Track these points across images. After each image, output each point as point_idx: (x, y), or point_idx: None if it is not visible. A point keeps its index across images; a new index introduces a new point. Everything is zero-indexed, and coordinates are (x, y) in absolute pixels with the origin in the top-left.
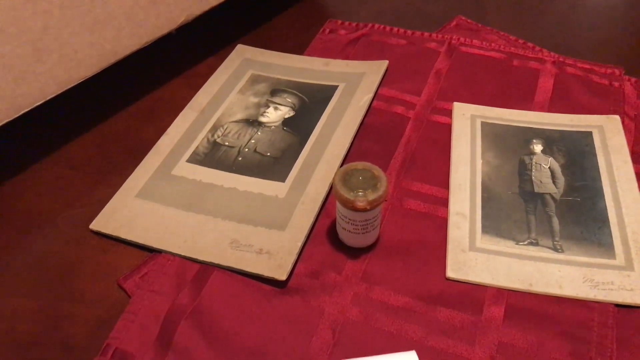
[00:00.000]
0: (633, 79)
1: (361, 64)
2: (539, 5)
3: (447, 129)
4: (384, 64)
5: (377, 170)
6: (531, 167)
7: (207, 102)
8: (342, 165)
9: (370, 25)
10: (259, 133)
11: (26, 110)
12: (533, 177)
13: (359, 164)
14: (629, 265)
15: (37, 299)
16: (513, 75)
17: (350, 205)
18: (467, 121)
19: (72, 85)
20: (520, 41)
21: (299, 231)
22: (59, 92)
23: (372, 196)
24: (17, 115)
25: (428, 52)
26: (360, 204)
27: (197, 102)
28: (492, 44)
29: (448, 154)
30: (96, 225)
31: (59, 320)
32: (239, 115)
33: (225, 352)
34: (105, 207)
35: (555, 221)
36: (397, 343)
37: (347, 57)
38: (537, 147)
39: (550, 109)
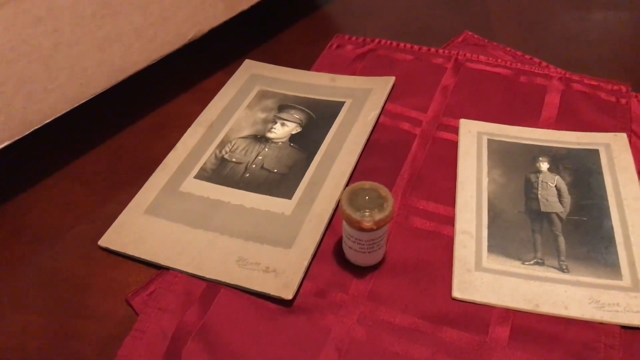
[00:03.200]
0: None
1: (368, 80)
2: (546, 20)
3: (454, 146)
4: (390, 80)
5: (383, 190)
6: (537, 185)
7: (215, 118)
8: (348, 182)
9: (377, 40)
10: (266, 149)
11: (37, 127)
12: (539, 196)
13: (366, 184)
14: (635, 287)
15: (46, 315)
16: (520, 91)
17: (357, 225)
18: (473, 138)
19: (82, 102)
20: (527, 57)
21: (305, 249)
22: (69, 108)
23: (378, 216)
24: (28, 132)
25: (435, 67)
26: (367, 224)
27: (205, 117)
28: (499, 60)
29: (454, 171)
30: (105, 241)
31: (67, 336)
32: (247, 131)
33: None
34: (114, 223)
35: (562, 240)
36: None
37: (354, 73)
38: (544, 165)
39: (556, 126)
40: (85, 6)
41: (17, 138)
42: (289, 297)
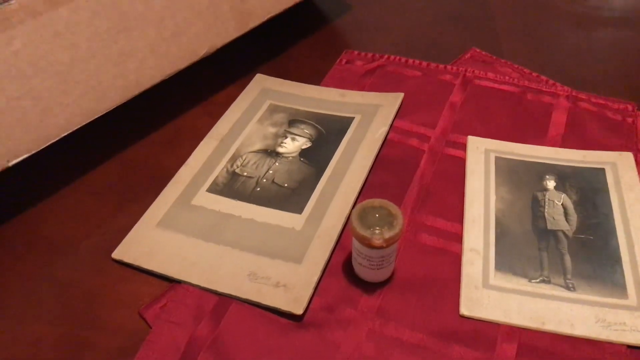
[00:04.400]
0: None
1: (377, 95)
2: (553, 38)
3: (462, 162)
4: (399, 97)
5: (393, 208)
6: (544, 203)
7: (226, 132)
8: (358, 198)
9: (386, 56)
10: (277, 164)
11: (53, 141)
12: (546, 214)
13: (376, 201)
14: None
15: (59, 327)
16: (527, 109)
17: (367, 243)
18: (481, 155)
19: (97, 116)
20: (534, 74)
21: (315, 265)
22: (85, 122)
23: (388, 234)
24: (45, 146)
25: (443, 84)
26: (377, 241)
27: (216, 131)
28: (506, 77)
29: (462, 188)
30: (117, 254)
31: (80, 348)
32: (258, 146)
33: None
34: (127, 236)
35: (568, 259)
36: None
37: (363, 88)
38: (550, 183)
39: (563, 144)
40: (102, 22)
41: (33, 151)
42: (299, 312)
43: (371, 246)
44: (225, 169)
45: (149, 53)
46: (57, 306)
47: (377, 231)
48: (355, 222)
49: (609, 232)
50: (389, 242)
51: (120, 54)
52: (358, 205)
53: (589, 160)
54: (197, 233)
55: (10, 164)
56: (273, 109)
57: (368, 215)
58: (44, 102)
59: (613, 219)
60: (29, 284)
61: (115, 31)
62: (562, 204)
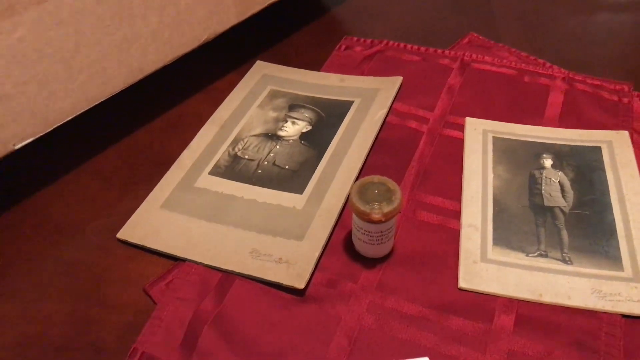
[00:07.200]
0: None
1: (376, 80)
2: (550, 23)
3: (460, 143)
4: (398, 80)
5: (391, 184)
6: (541, 181)
7: (227, 117)
8: (357, 178)
9: (385, 42)
10: (278, 147)
11: (58, 124)
12: (543, 191)
13: (375, 178)
14: (636, 277)
15: (68, 304)
16: (524, 91)
17: (366, 217)
18: (479, 136)
19: (101, 100)
20: (532, 58)
21: (316, 241)
22: (89, 107)
23: (387, 209)
24: (50, 130)
25: (441, 68)
26: (376, 216)
27: (218, 116)
28: (504, 61)
29: (460, 167)
30: (123, 234)
31: (89, 324)
32: (259, 130)
33: (246, 357)
34: (132, 217)
35: (565, 234)
36: (410, 350)
37: (362, 73)
38: (547, 162)
39: (560, 125)
40: (105, 9)
41: (39, 135)
42: (301, 286)
43: (370, 221)
44: (227, 153)
45: (151, 39)
46: (65, 285)
47: (376, 206)
48: (354, 197)
49: (605, 207)
50: (387, 217)
51: (123, 41)
52: (357, 182)
53: (586, 139)
54: (201, 214)
55: (17, 147)
56: (273, 95)
57: (367, 191)
58: (50, 87)
59: (609, 195)
60: (38, 265)
61: (119, 18)
62: (558, 182)
